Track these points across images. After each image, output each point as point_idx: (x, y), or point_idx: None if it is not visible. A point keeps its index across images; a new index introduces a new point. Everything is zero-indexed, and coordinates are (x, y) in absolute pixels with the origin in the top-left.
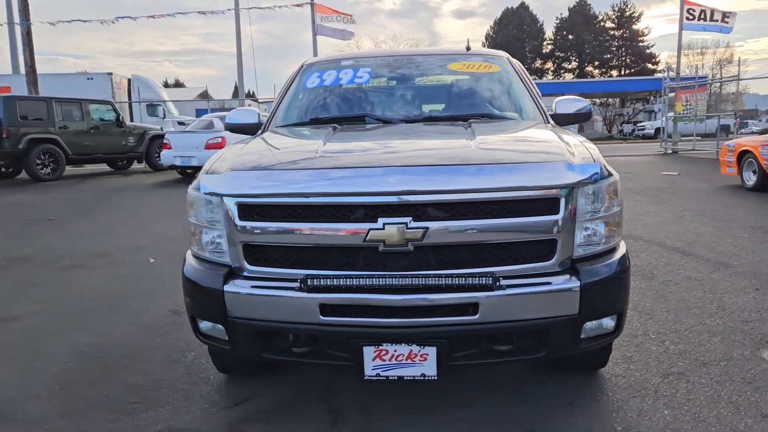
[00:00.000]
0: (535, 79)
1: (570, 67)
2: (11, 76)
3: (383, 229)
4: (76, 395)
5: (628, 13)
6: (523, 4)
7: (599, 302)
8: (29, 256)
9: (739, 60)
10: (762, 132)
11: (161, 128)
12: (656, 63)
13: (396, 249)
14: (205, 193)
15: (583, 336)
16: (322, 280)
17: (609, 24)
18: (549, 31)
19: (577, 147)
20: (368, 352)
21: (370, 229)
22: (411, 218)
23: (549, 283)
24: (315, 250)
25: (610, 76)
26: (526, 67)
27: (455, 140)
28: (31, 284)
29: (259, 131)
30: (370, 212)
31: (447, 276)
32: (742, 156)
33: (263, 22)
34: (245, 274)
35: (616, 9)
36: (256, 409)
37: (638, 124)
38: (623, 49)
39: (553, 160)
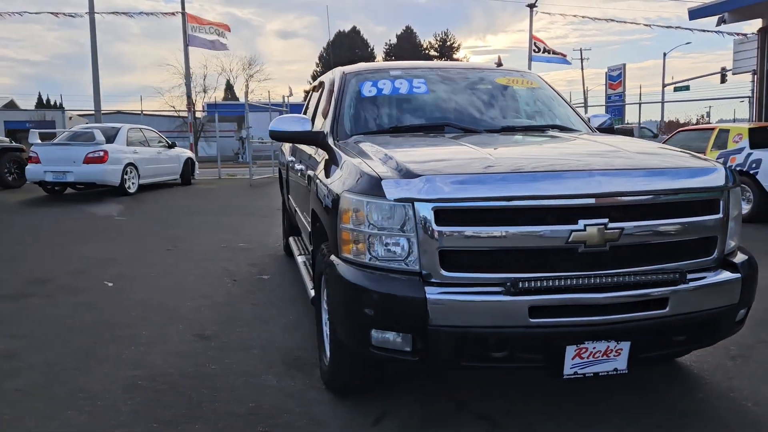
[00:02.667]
0: None
1: None
2: None
3: (584, 230)
4: (186, 430)
5: (448, 43)
6: (354, 28)
7: (749, 292)
8: None
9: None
10: None
11: (10, 140)
12: None
13: (595, 249)
14: (395, 200)
15: (736, 321)
16: (532, 282)
17: (433, 52)
18: (379, 56)
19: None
20: (570, 351)
21: (572, 231)
22: (608, 219)
23: (722, 276)
24: (515, 253)
25: None
26: None
27: (598, 147)
28: None
29: (330, 139)
30: (571, 214)
31: (643, 273)
32: None
33: (67, 29)
34: (437, 280)
35: (438, 38)
36: (404, 424)
37: None
38: None
39: (711, 165)
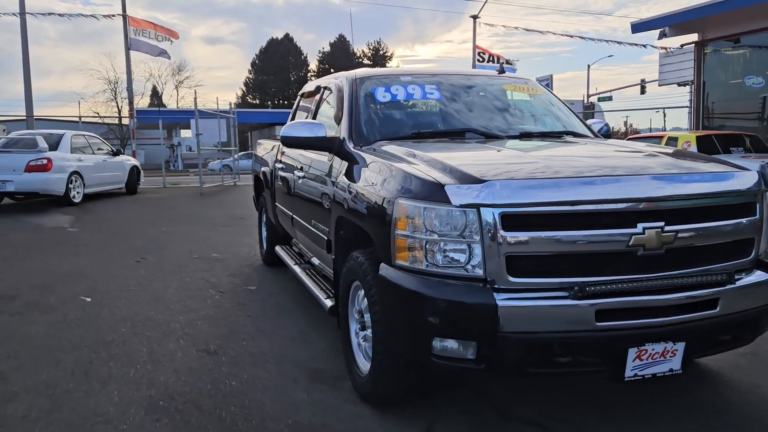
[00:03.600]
0: None
1: None
2: None
3: (644, 233)
4: None
5: (381, 52)
6: (287, 35)
7: None
8: None
9: None
10: None
11: None
12: None
13: (653, 253)
14: (460, 206)
15: None
16: (599, 286)
17: (366, 60)
18: (313, 63)
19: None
20: (631, 353)
21: (633, 234)
22: (664, 222)
23: (762, 276)
24: (578, 258)
25: None
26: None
27: (632, 151)
28: None
29: (350, 145)
30: (631, 218)
31: (696, 274)
32: None
33: None
34: (503, 286)
35: (371, 47)
36: None
37: None
38: None
39: (748, 169)
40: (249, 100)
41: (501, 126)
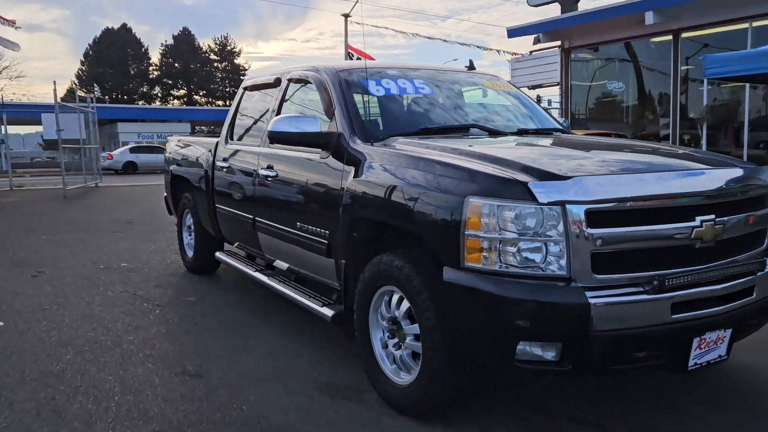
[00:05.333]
0: (143, 105)
1: (178, 93)
2: None
3: (701, 226)
4: None
5: (229, 48)
6: (125, 25)
7: None
8: None
9: None
10: None
11: None
12: None
13: (707, 244)
14: (548, 203)
15: None
16: (673, 279)
17: (213, 56)
18: (155, 56)
19: None
20: (694, 343)
21: (694, 227)
22: (715, 215)
23: None
24: (650, 252)
25: (218, 105)
26: (134, 90)
27: (652, 148)
28: None
29: (353, 141)
30: (691, 212)
31: (739, 264)
32: None
33: None
34: (587, 284)
35: (218, 42)
36: None
37: None
38: (227, 81)
39: (760, 165)
40: (84, 94)
41: (499, 122)
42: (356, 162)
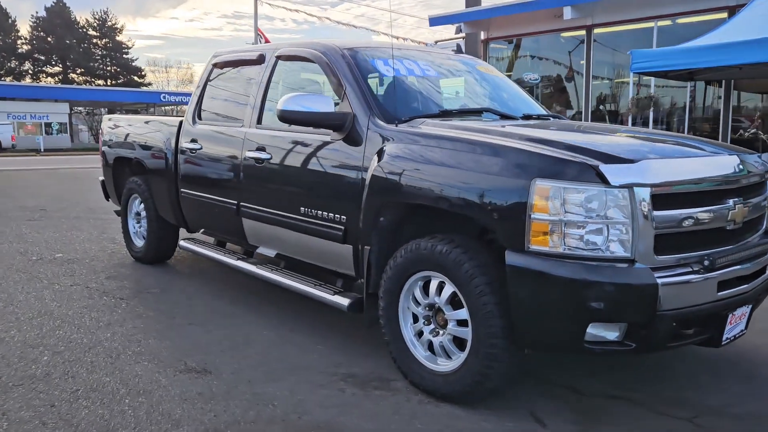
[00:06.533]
0: (11, 81)
1: (51, 71)
2: None
3: (735, 208)
4: None
5: (110, 23)
6: None
7: None
8: None
9: None
10: None
11: None
12: (143, 77)
13: (736, 226)
14: (619, 186)
15: None
16: (720, 258)
17: (92, 32)
18: (24, 29)
19: None
20: (729, 318)
21: (729, 210)
22: (742, 198)
23: None
24: (698, 233)
25: (98, 85)
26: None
27: (653, 134)
28: None
29: (373, 123)
30: (725, 195)
31: (760, 244)
32: None
33: None
34: (649, 265)
35: (97, 17)
36: (574, 420)
37: None
38: (108, 59)
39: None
40: None
41: (506, 106)
42: (379, 144)
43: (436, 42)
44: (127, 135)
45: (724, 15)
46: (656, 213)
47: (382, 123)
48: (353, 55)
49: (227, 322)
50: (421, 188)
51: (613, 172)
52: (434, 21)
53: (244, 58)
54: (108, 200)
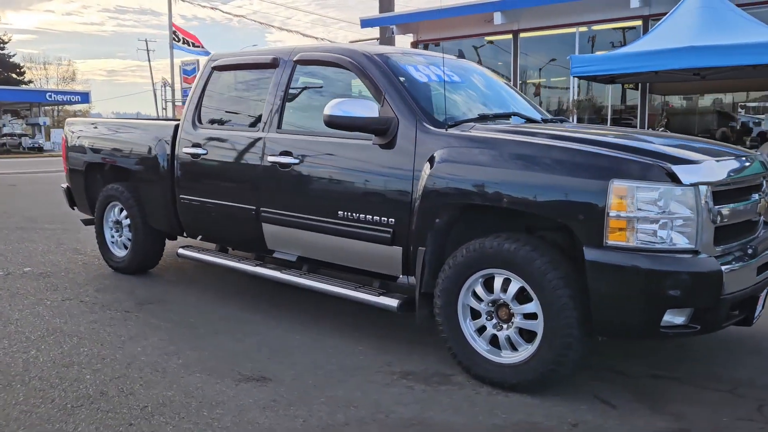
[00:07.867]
0: None
1: None
2: None
3: (760, 201)
4: None
5: None
6: None
7: None
8: None
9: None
10: None
11: None
12: (22, 74)
13: (758, 218)
14: (690, 184)
15: None
16: (759, 246)
17: None
18: None
19: None
20: (760, 300)
21: (757, 203)
22: (763, 192)
23: None
24: (739, 225)
25: None
26: None
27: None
28: None
29: (421, 127)
30: (753, 190)
31: None
32: None
33: None
34: (710, 255)
35: None
36: (643, 403)
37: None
38: None
39: None
40: None
41: (526, 110)
42: (429, 148)
43: (350, 42)
44: (108, 139)
45: (639, 23)
46: (717, 208)
47: (430, 127)
48: (386, 61)
49: (252, 330)
50: (486, 190)
51: (684, 172)
52: (365, 23)
53: (255, 62)
54: (74, 209)
